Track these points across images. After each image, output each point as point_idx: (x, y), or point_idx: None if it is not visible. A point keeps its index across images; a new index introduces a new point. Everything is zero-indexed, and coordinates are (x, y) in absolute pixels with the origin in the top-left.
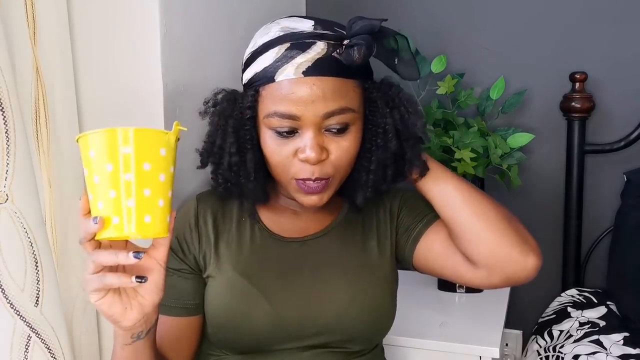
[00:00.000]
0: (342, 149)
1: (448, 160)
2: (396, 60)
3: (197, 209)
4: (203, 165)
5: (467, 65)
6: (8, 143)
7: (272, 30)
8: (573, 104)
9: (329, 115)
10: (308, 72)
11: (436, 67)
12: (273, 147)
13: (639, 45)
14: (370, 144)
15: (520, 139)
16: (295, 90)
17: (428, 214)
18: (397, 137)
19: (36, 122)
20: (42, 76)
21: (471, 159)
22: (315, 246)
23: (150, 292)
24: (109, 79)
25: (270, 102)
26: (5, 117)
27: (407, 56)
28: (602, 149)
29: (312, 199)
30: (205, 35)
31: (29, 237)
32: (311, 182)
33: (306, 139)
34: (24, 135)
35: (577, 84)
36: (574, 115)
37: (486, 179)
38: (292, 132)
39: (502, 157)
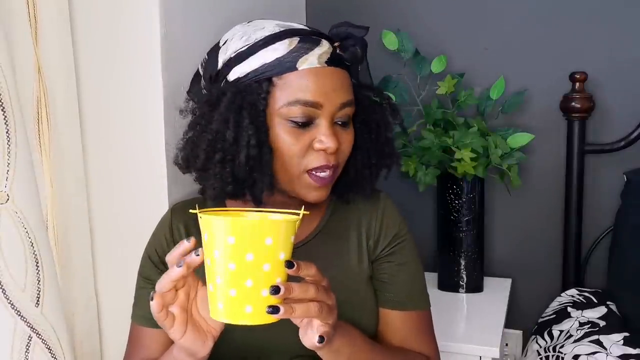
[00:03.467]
0: (347, 141)
1: (448, 160)
2: (359, 67)
3: (171, 220)
4: (192, 166)
5: (467, 65)
6: (9, 143)
7: (268, 27)
8: (573, 104)
9: (343, 105)
10: (329, 63)
11: (436, 67)
12: (288, 138)
13: (639, 45)
14: (363, 140)
15: (520, 139)
16: (320, 78)
17: (395, 297)
18: (387, 129)
19: (37, 122)
20: (43, 76)
21: (471, 159)
22: (296, 256)
23: (217, 322)
24: (109, 79)
25: (291, 90)
26: (6, 116)
27: (364, 62)
28: (602, 149)
29: (319, 194)
30: (205, 35)
31: (29, 237)
32: (325, 171)
33: (324, 129)
34: (24, 135)
35: (577, 84)
36: (574, 115)
37: (486, 179)
38: (309, 123)
39: (502, 157)
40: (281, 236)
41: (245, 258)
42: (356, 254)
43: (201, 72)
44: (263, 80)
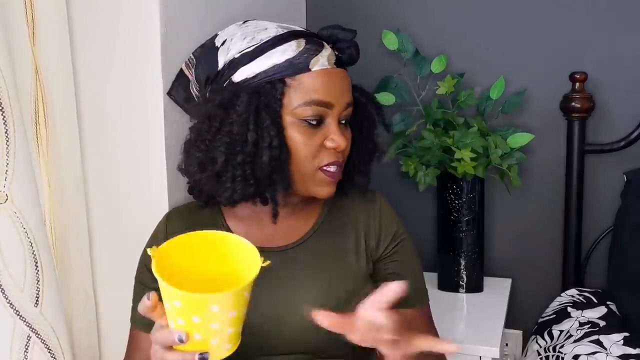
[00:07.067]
0: (349, 139)
1: (448, 160)
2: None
3: (165, 227)
4: (206, 170)
5: (467, 65)
6: (8, 143)
7: (271, 28)
8: (573, 104)
9: (348, 105)
10: (338, 64)
11: (436, 67)
12: (302, 138)
13: (639, 45)
14: (358, 138)
15: (520, 139)
16: (331, 79)
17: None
18: (373, 126)
19: (36, 123)
20: (41, 76)
21: (471, 159)
22: (292, 255)
23: None
24: (108, 79)
25: (305, 91)
26: (5, 117)
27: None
28: (602, 149)
29: (331, 189)
30: (205, 35)
31: (28, 237)
32: (337, 167)
33: (335, 127)
34: (23, 135)
35: (577, 84)
36: (574, 115)
37: (486, 179)
38: (320, 122)
39: (502, 157)
40: (230, 301)
41: (191, 319)
42: (354, 252)
43: (189, 73)
44: (276, 82)
